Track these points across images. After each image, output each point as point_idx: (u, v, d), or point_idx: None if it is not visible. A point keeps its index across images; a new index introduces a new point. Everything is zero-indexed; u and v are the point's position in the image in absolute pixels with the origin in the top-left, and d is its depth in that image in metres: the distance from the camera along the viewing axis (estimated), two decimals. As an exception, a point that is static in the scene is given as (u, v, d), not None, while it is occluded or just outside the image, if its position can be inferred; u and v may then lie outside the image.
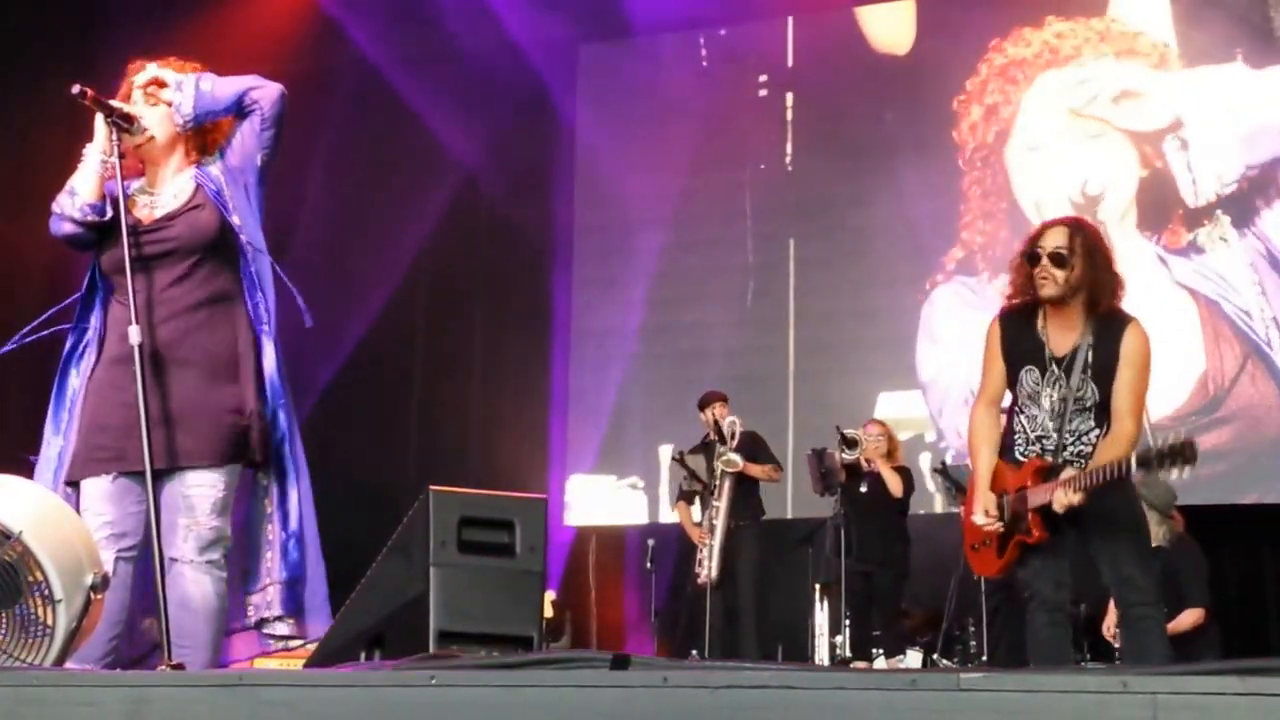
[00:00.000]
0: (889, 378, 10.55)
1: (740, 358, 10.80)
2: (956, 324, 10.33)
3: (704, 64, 11.60)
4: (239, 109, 4.13)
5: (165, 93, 4.06)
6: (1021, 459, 4.71)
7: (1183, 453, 4.16)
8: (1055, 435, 4.62)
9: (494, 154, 11.34)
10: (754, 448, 8.95)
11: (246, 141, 4.14)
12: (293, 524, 4.09)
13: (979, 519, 4.69)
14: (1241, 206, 9.73)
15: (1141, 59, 10.22)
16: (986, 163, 10.56)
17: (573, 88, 11.83)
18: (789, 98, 11.29)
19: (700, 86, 11.49)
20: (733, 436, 8.78)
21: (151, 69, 4.11)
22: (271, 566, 4.07)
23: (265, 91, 4.14)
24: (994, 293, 10.15)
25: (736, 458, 8.74)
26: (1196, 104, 9.96)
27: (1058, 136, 10.39)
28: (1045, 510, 4.54)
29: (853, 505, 8.78)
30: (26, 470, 4.01)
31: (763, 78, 11.40)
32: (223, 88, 4.12)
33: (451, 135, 11.24)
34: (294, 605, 4.08)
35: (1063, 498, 4.46)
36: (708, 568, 8.76)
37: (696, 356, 10.94)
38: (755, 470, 8.83)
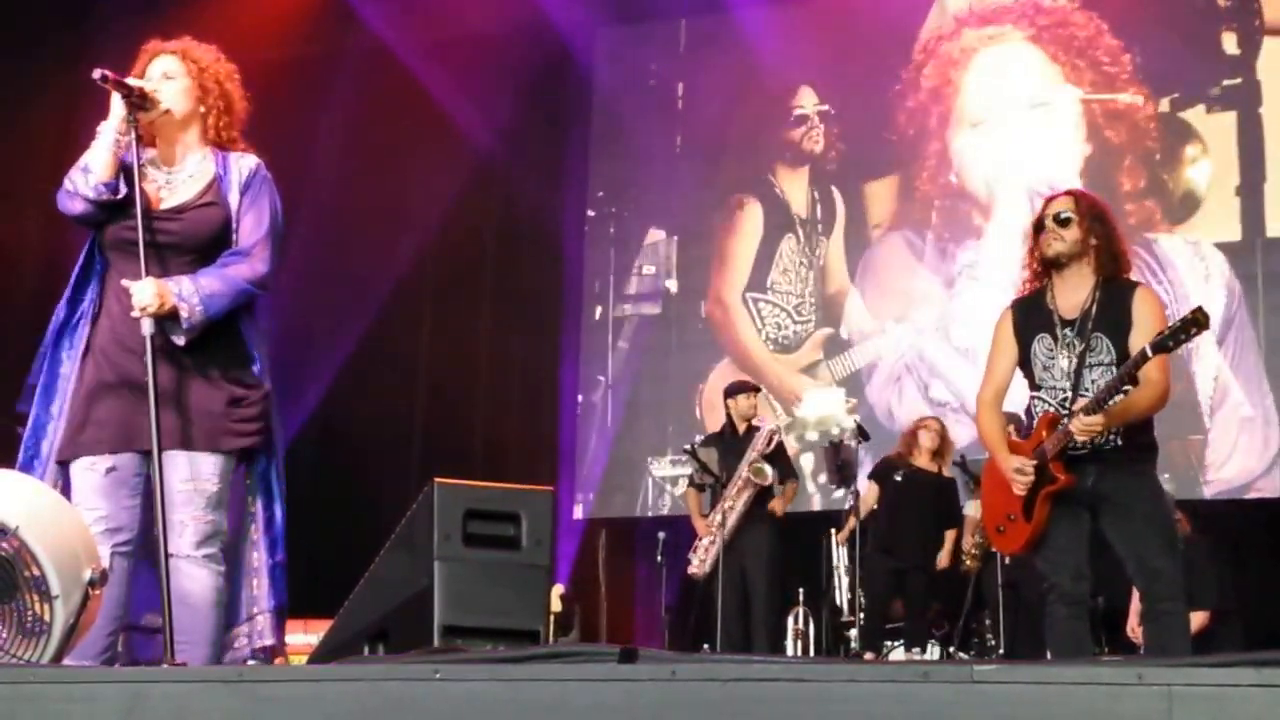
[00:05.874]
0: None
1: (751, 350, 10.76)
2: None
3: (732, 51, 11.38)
4: (249, 295, 3.99)
5: (171, 301, 3.82)
6: None
7: (1196, 320, 4.22)
8: (1071, 393, 4.58)
9: (505, 141, 11.25)
10: (776, 455, 8.78)
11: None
12: (279, 553, 4.04)
13: (1017, 472, 4.59)
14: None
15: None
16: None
17: (589, 73, 11.76)
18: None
19: (718, 73, 11.38)
20: (769, 444, 8.67)
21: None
22: (259, 595, 4.01)
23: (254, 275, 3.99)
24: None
25: (769, 470, 8.58)
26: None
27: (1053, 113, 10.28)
28: (1064, 454, 4.52)
29: (888, 498, 8.68)
30: (14, 443, 3.97)
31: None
32: (219, 287, 3.91)
33: (463, 121, 11.15)
34: (281, 635, 4.03)
35: (1080, 423, 4.43)
36: (703, 561, 8.69)
37: (710, 348, 10.91)
38: (776, 504, 8.62)
